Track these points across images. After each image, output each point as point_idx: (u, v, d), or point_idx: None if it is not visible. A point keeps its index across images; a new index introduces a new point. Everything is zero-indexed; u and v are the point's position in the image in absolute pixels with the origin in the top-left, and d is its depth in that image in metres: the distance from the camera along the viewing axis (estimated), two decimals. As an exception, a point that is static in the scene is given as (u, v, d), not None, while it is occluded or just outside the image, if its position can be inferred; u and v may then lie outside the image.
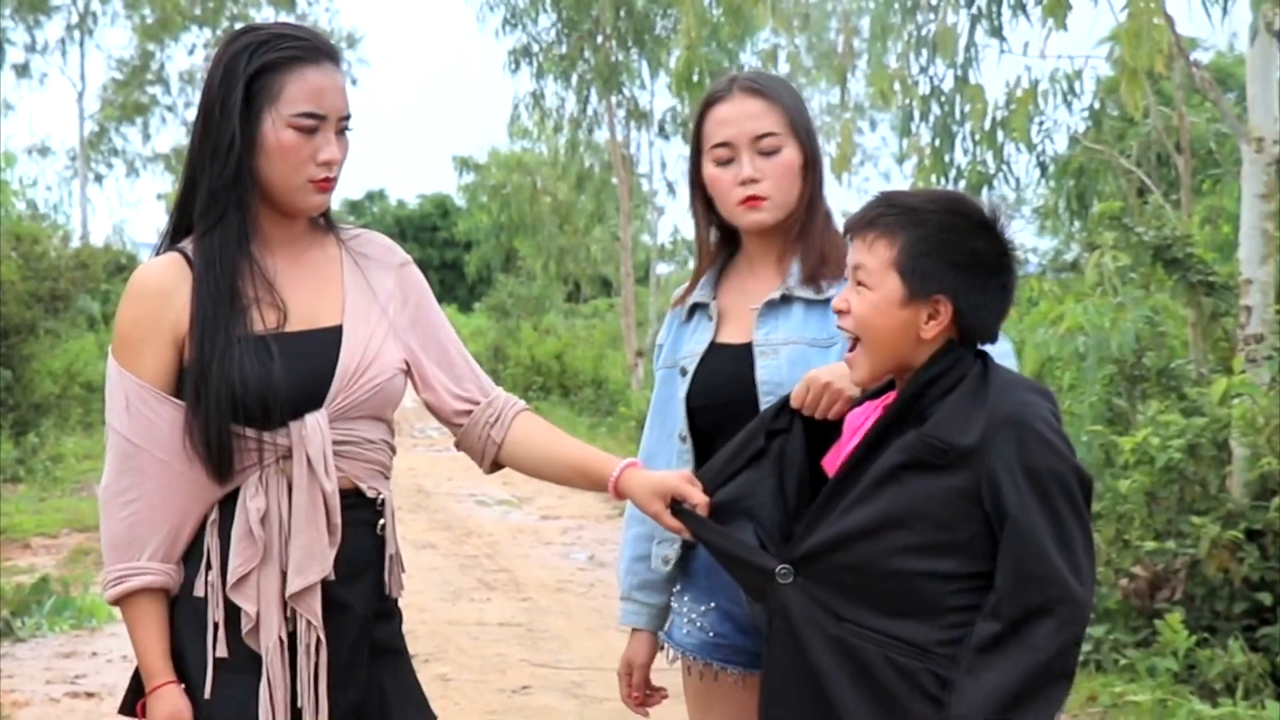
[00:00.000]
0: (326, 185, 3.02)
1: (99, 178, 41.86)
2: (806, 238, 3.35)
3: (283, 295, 3.00)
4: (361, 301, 3.09)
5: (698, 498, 2.97)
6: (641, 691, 3.57)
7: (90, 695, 7.80)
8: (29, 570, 10.88)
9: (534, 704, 7.55)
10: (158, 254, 3.06)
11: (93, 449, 19.60)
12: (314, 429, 2.93)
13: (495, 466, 3.25)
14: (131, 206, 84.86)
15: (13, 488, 15.71)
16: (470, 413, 3.21)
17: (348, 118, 3.04)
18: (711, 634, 3.39)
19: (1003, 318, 2.86)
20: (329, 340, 3.01)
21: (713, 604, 3.38)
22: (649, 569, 3.50)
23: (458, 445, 3.29)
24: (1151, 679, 7.27)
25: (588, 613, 9.83)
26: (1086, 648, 7.85)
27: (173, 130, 42.23)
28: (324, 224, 3.16)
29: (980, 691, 2.63)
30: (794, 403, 2.98)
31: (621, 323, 27.94)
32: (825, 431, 2.94)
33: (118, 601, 2.99)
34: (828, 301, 3.24)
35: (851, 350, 2.88)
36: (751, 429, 3.02)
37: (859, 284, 2.84)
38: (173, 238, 3.06)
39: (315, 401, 2.95)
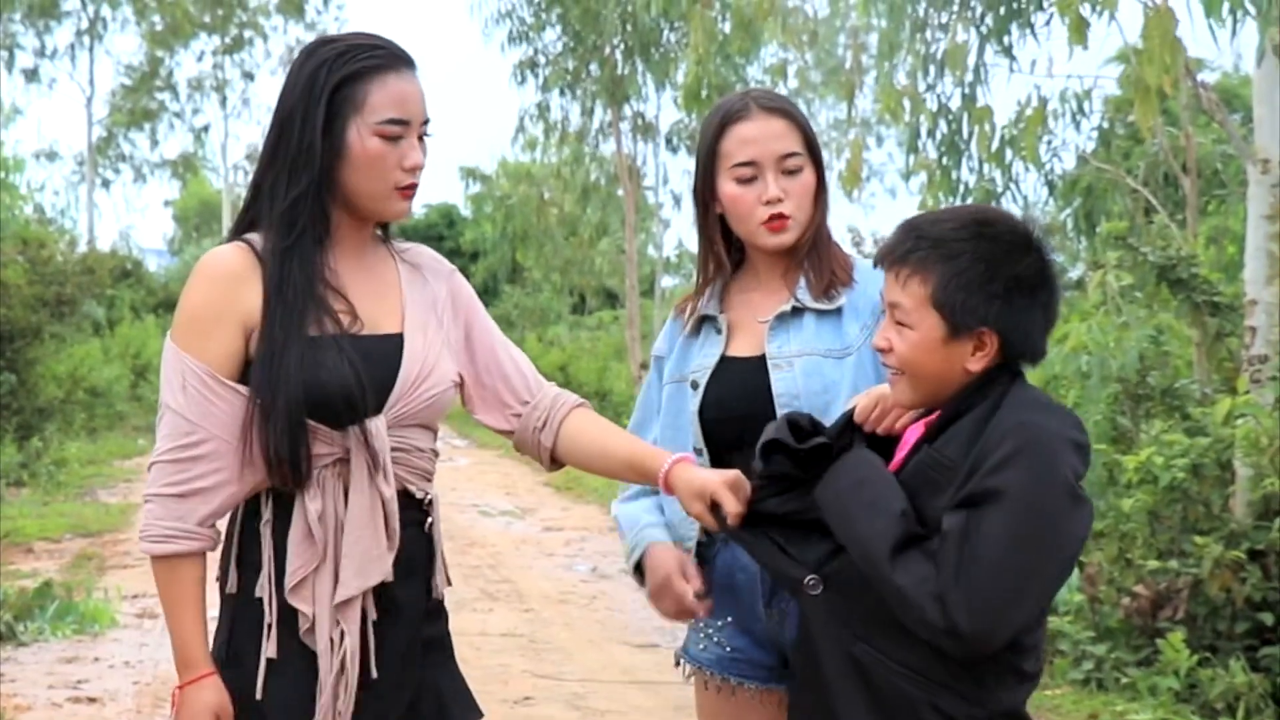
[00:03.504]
0: (410, 192, 3.05)
1: (106, 183, 42.01)
2: (816, 255, 3.36)
3: (351, 299, 3.03)
4: (420, 310, 3.13)
5: (732, 507, 2.93)
6: (693, 580, 3.26)
7: (92, 700, 7.81)
8: (32, 575, 10.87)
9: (536, 715, 7.56)
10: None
11: (96, 454, 19.64)
12: (376, 434, 2.97)
13: (555, 464, 3.28)
14: (138, 212, 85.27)
15: (16, 492, 15.73)
16: (520, 416, 3.24)
17: (427, 122, 3.06)
18: (728, 649, 3.37)
19: (1049, 333, 2.81)
20: (391, 347, 3.04)
21: (728, 618, 3.36)
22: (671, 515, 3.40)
23: (516, 448, 3.32)
24: (1153, 698, 7.28)
25: (590, 625, 9.84)
26: (1088, 666, 7.86)
27: (180, 137, 42.50)
28: (379, 235, 3.19)
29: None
30: (858, 417, 2.96)
31: (626, 335, 27.93)
32: (890, 446, 2.91)
33: (159, 558, 2.97)
34: (839, 311, 3.29)
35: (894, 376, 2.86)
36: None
37: (898, 323, 2.80)
38: (235, 235, 3.07)
39: (376, 407, 2.98)
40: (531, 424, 3.23)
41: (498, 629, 9.67)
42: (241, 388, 2.95)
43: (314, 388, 2.91)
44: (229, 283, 2.98)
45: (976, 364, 2.76)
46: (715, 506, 2.97)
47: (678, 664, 3.53)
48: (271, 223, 3.00)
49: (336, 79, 2.97)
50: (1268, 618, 7.35)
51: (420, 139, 3.05)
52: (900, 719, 2.71)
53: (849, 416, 2.98)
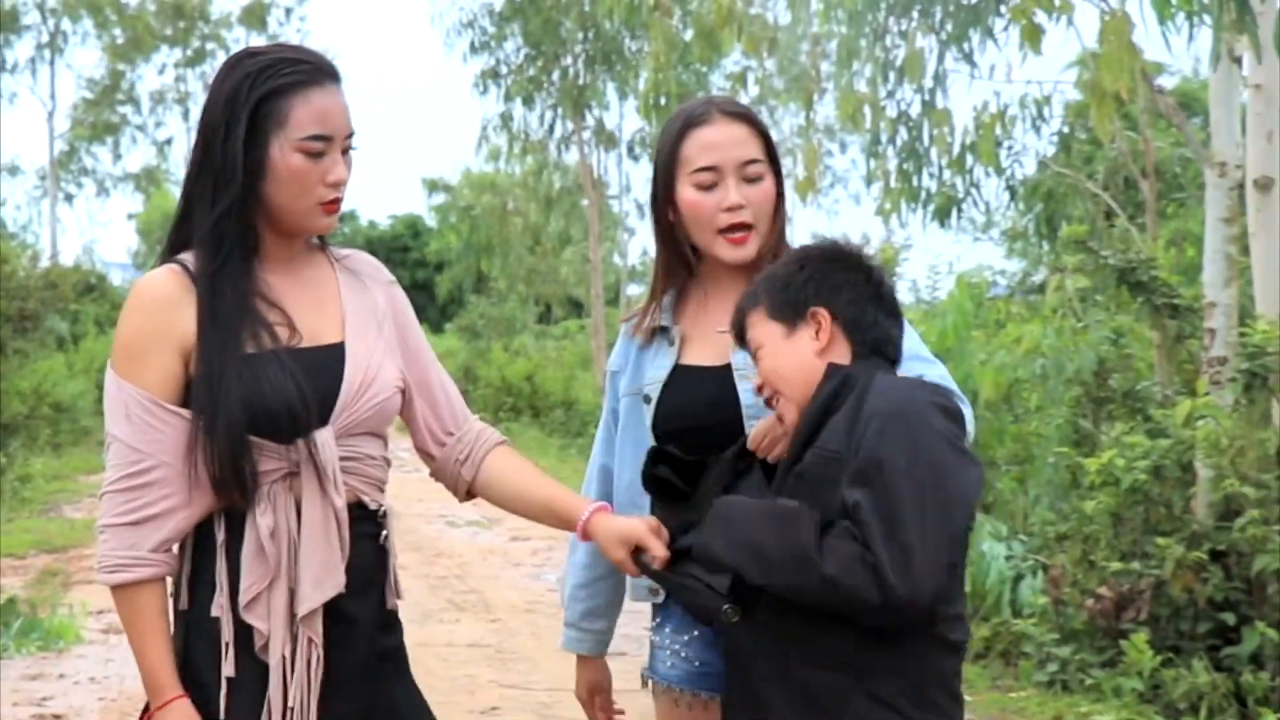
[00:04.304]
0: (334, 207, 3.03)
1: (69, 197, 41.83)
2: None
3: (288, 312, 3.02)
4: (360, 318, 3.11)
5: (658, 551, 2.99)
6: (609, 713, 3.55)
7: (57, 717, 7.78)
8: (-4, 591, 10.84)
9: (503, 725, 7.57)
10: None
11: (61, 469, 19.55)
12: (324, 444, 2.95)
13: (469, 497, 3.29)
14: (101, 226, 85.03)
15: (-20, 508, 15.65)
16: (444, 445, 3.25)
17: (351, 136, 3.05)
18: (697, 663, 3.34)
19: (883, 307, 2.92)
20: (333, 357, 3.03)
21: (695, 632, 3.32)
22: (592, 596, 3.53)
23: (432, 475, 3.33)
24: (1117, 699, 7.32)
25: (557, 634, 9.71)
26: (1053, 668, 7.90)
27: (143, 150, 42.37)
28: (317, 243, 3.18)
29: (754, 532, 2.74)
30: (750, 445, 3.01)
31: (592, 344, 28.00)
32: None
33: (118, 588, 2.99)
34: None
35: (772, 406, 2.96)
36: (716, 475, 3.03)
37: (757, 351, 2.96)
38: (167, 255, 3.06)
39: (321, 418, 2.98)
40: (454, 456, 3.24)
41: (465, 639, 9.66)
42: (184, 411, 2.94)
43: (255, 404, 2.91)
44: (162, 308, 2.97)
45: (820, 346, 2.88)
46: (637, 551, 3.02)
47: (645, 684, 3.49)
48: (201, 241, 2.99)
49: (259, 94, 2.95)
50: (1229, 618, 7.39)
51: (345, 152, 3.03)
52: (835, 711, 2.74)
53: (742, 445, 3.04)
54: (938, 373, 3.13)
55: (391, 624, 3.17)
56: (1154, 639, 7.44)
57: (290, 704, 2.96)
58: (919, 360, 3.13)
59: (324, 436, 2.96)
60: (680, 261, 3.41)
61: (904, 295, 14.51)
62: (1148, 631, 7.46)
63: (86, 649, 9.35)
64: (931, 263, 11.98)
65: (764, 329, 2.92)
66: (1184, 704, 7.12)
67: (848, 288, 2.89)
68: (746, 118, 3.34)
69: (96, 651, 9.25)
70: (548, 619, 10.37)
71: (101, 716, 7.75)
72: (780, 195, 3.35)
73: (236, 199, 2.96)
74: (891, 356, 2.93)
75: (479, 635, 9.82)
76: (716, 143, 3.28)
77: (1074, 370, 9.33)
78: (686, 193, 3.30)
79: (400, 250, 55.19)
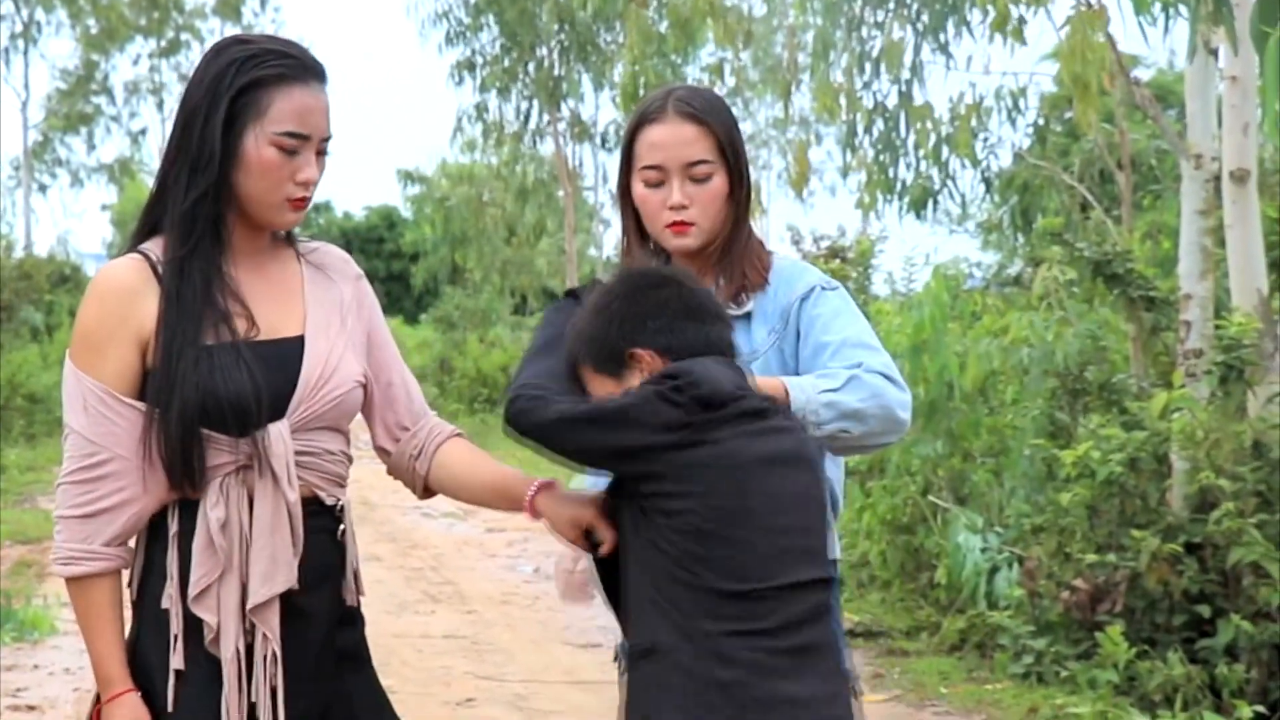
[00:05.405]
0: (301, 205, 3.02)
1: (43, 188, 41.60)
2: (729, 259, 3.39)
3: (248, 305, 3.01)
4: (322, 312, 3.10)
5: (605, 535, 2.96)
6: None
7: (32, 709, 7.76)
8: (-30, 583, 10.80)
9: (478, 716, 7.54)
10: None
11: (35, 460, 19.48)
12: (277, 439, 2.94)
13: (428, 493, 3.28)
14: (76, 217, 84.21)
15: (-46, 500, 15.58)
16: (399, 441, 3.24)
17: (328, 139, 3.04)
18: None
19: (700, 315, 2.93)
20: (292, 350, 3.02)
21: None
22: None
23: (389, 473, 3.31)
24: (1092, 691, 7.33)
25: (533, 625, 9.83)
26: (1028, 660, 7.92)
27: (117, 141, 42.09)
28: (284, 236, 3.16)
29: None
30: None
31: (568, 335, 27.90)
32: None
33: (71, 580, 2.98)
34: (748, 316, 3.34)
35: None
36: None
37: None
38: (137, 239, 3.06)
39: (277, 411, 2.96)
40: (408, 451, 3.22)
41: (440, 631, 9.65)
42: (140, 404, 2.93)
43: (208, 396, 2.90)
44: (122, 298, 2.96)
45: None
46: (589, 532, 2.98)
47: (616, 659, 3.54)
48: (172, 225, 2.98)
49: (242, 83, 2.94)
50: (1205, 610, 7.40)
51: (320, 154, 3.02)
52: None
53: None
54: (880, 360, 3.18)
55: (351, 620, 3.15)
56: (1129, 631, 7.44)
57: (253, 699, 2.95)
58: (862, 348, 3.20)
59: (277, 431, 2.95)
60: (644, 248, 3.49)
61: (880, 287, 14.53)
62: (1123, 624, 7.47)
63: (61, 640, 9.31)
64: (908, 254, 11.97)
65: (598, 385, 2.94)
66: (1159, 696, 7.13)
67: (655, 314, 2.90)
68: (698, 118, 3.38)
69: (71, 642, 9.21)
70: (523, 610, 10.37)
71: (76, 707, 7.72)
72: (732, 192, 3.40)
73: (212, 184, 2.95)
74: (727, 354, 2.94)
75: (454, 627, 9.81)
76: (663, 143, 3.37)
77: (1063, 359, 9.34)
78: (637, 188, 3.43)
79: (375, 241, 55.01)
